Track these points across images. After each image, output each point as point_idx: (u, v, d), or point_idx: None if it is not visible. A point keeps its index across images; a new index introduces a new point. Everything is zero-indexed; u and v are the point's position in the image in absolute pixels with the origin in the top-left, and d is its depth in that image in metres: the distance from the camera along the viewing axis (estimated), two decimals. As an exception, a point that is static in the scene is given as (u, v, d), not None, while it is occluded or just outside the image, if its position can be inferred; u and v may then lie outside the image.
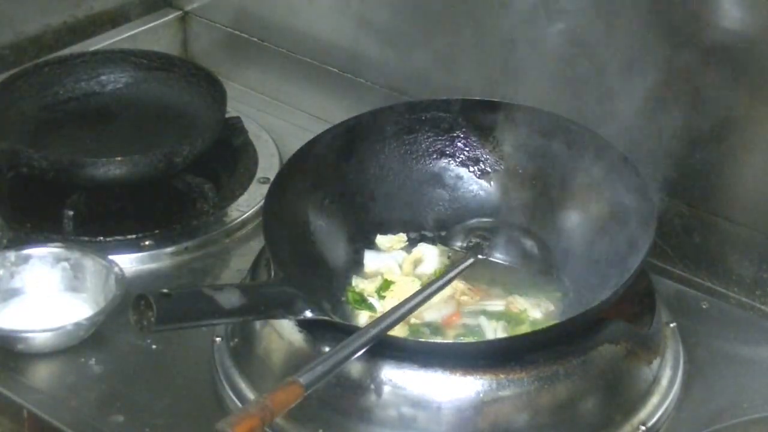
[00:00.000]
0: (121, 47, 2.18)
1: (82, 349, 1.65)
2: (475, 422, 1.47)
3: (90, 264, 1.73)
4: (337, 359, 1.40)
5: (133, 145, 1.95)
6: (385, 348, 1.48)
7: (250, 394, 1.56)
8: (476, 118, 1.77)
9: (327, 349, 1.48)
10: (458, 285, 1.66)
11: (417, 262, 1.73)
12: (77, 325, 1.64)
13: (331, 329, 1.50)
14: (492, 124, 1.76)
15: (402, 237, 1.76)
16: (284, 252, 1.60)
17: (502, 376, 1.47)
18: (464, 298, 1.65)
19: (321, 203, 1.71)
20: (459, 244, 1.72)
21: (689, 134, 1.75)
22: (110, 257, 1.74)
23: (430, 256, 1.73)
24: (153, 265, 1.82)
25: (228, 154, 2.02)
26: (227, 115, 1.99)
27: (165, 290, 1.40)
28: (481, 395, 1.46)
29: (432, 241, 1.76)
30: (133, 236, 1.83)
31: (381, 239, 1.75)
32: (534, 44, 1.80)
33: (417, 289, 1.65)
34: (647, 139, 1.74)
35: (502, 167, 1.78)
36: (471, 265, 1.66)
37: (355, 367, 1.47)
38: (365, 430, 1.48)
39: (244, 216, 1.91)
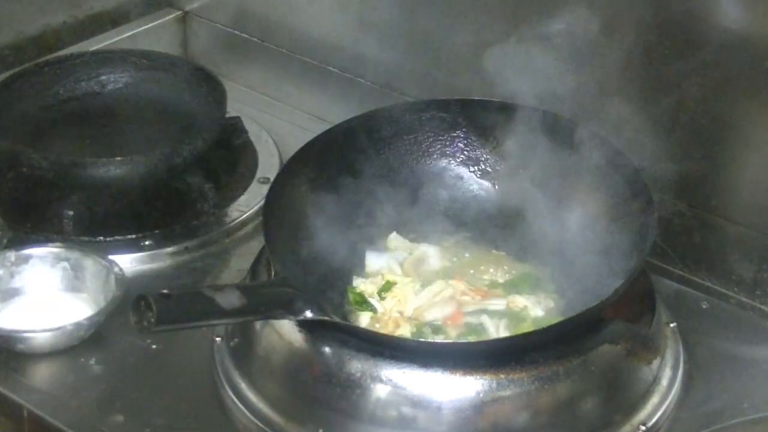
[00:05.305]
0: (121, 47, 2.18)
1: (82, 349, 1.65)
2: (475, 422, 1.47)
3: (90, 264, 1.73)
4: None
5: (133, 145, 1.95)
6: (385, 348, 1.48)
7: (250, 394, 1.56)
8: (476, 118, 1.77)
9: (327, 349, 1.49)
10: (459, 285, 1.66)
11: (418, 263, 1.73)
12: (77, 325, 1.64)
13: (331, 329, 1.50)
14: (492, 124, 1.76)
15: (414, 246, 1.75)
16: (284, 252, 1.60)
17: (502, 376, 1.47)
18: (465, 298, 1.65)
19: (321, 203, 1.71)
20: (455, 240, 1.72)
21: (689, 134, 1.75)
22: (110, 257, 1.74)
23: (431, 257, 1.73)
24: (153, 265, 1.82)
25: (228, 154, 2.02)
26: (227, 115, 1.99)
27: (165, 291, 1.40)
28: (481, 395, 1.46)
29: (433, 241, 1.76)
30: (133, 236, 1.84)
31: (392, 238, 1.74)
32: (534, 44, 1.80)
33: (417, 290, 1.66)
34: (647, 139, 1.74)
35: (503, 167, 1.78)
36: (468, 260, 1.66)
37: (355, 367, 1.47)
38: (365, 430, 1.49)
39: (244, 216, 1.91)
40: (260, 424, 1.53)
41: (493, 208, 1.78)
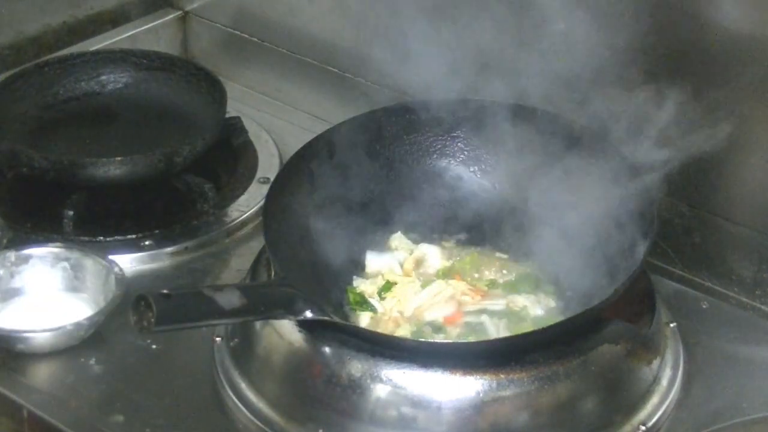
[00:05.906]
0: (121, 47, 2.18)
1: (82, 349, 1.65)
2: (475, 422, 1.47)
3: (90, 264, 1.73)
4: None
5: (133, 145, 1.95)
6: (385, 348, 1.48)
7: (250, 394, 1.56)
8: (476, 118, 1.77)
9: (327, 349, 1.49)
10: (459, 285, 1.67)
11: (418, 263, 1.73)
12: (77, 325, 1.64)
13: (331, 329, 1.50)
14: (492, 124, 1.76)
15: (414, 246, 1.75)
16: (284, 252, 1.60)
17: (502, 376, 1.47)
18: (465, 298, 1.65)
19: (321, 203, 1.71)
20: (455, 240, 1.72)
21: (689, 134, 1.74)
22: (110, 257, 1.74)
23: (431, 257, 1.73)
24: (153, 265, 1.82)
25: (228, 154, 2.02)
26: (227, 115, 1.99)
27: (165, 291, 1.40)
28: (481, 395, 1.46)
29: (433, 241, 1.76)
30: (133, 236, 1.84)
31: (395, 238, 1.74)
32: (534, 44, 1.80)
33: (417, 290, 1.66)
34: (647, 139, 1.74)
35: (503, 167, 1.78)
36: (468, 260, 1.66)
37: (355, 367, 1.47)
38: (365, 430, 1.49)
39: (244, 216, 1.91)
40: (260, 424, 1.53)
41: (493, 209, 1.78)
